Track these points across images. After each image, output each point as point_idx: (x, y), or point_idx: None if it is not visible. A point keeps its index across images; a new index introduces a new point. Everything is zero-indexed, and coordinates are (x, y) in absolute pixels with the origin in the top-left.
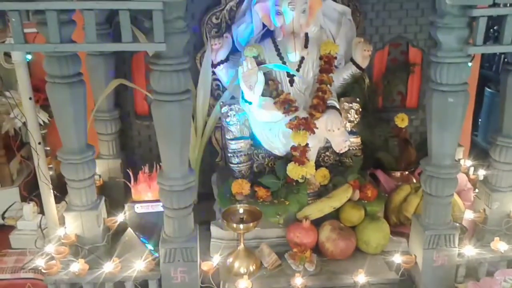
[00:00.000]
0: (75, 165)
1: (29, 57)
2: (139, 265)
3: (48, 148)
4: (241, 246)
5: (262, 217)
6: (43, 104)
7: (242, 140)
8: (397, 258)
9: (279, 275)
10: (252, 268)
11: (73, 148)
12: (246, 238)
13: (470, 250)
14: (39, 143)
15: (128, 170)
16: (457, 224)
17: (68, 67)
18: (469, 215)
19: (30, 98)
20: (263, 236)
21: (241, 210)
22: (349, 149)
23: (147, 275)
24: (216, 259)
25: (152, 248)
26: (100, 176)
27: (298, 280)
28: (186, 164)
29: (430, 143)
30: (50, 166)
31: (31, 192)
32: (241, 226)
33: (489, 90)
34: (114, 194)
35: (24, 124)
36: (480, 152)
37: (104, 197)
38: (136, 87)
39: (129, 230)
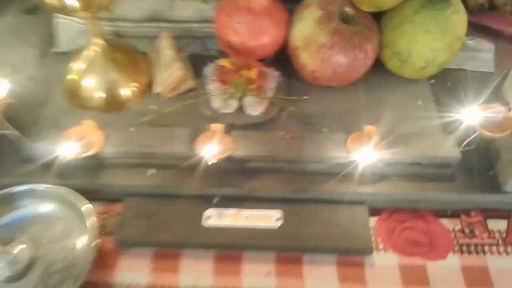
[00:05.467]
0: None
1: None
2: None
3: None
4: (98, 41)
5: None
6: None
7: None
8: (472, 110)
9: (183, 119)
10: (125, 93)
11: None
12: (129, 19)
13: None
14: None
15: None
16: None
17: None
18: None
19: None
20: (167, 18)
21: None
22: None
23: None
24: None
25: None
26: None
27: (214, 147)
28: None
29: None
30: None
31: None
32: None
33: None
34: None
35: None
36: None
37: None
38: None
39: None
